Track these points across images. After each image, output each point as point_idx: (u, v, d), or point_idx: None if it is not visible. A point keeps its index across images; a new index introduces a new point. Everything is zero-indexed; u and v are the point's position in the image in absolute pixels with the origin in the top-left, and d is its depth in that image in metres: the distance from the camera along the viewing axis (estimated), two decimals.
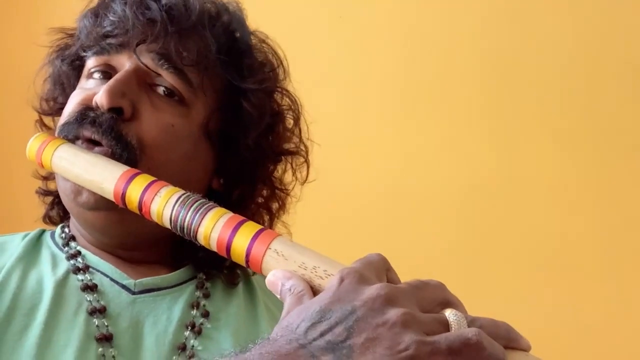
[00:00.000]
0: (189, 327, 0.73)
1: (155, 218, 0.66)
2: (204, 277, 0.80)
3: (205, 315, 0.76)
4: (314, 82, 1.45)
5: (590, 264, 1.40)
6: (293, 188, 0.86)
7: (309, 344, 0.44)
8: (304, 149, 0.86)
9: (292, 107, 0.85)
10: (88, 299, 0.73)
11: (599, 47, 1.43)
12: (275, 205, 0.85)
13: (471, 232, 1.50)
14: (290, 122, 0.85)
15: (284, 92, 0.84)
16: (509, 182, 1.48)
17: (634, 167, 1.39)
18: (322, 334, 0.44)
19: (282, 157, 0.85)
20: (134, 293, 0.75)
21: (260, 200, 0.84)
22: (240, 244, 0.59)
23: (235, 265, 0.83)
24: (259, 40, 0.85)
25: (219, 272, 0.82)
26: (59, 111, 0.83)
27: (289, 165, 0.86)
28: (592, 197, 1.42)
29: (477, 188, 1.50)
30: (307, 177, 0.86)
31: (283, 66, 0.85)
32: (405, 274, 0.55)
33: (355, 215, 1.56)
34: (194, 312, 0.76)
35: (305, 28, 1.66)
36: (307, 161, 0.86)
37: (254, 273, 0.88)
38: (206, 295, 0.78)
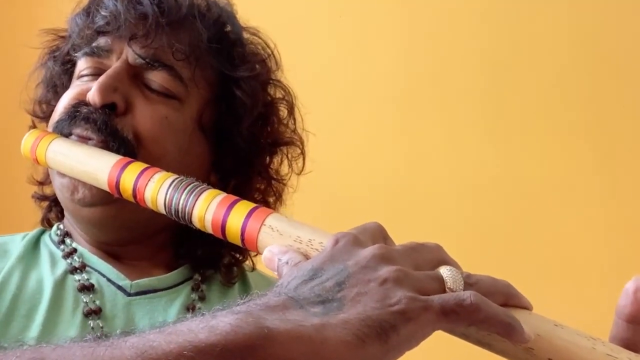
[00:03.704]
0: None
1: (149, 204, 0.66)
2: (200, 278, 0.79)
3: None
4: (313, 81, 1.45)
5: (592, 263, 1.39)
6: (289, 179, 0.86)
7: (298, 296, 0.43)
8: (299, 140, 0.86)
9: (286, 98, 0.85)
10: (85, 299, 0.72)
11: (599, 44, 1.43)
12: (272, 197, 0.84)
13: (471, 227, 1.48)
14: (284, 112, 0.85)
15: (277, 83, 0.84)
16: (509, 179, 1.47)
17: (635, 165, 1.39)
18: (311, 288, 0.44)
19: (278, 149, 0.84)
20: (129, 295, 0.74)
21: (256, 192, 0.83)
22: (235, 222, 0.58)
23: (233, 264, 0.83)
24: (250, 34, 0.85)
25: (216, 271, 0.81)
26: (52, 114, 0.83)
27: (284, 157, 0.85)
28: (593, 195, 1.41)
29: (476, 182, 1.49)
30: (303, 167, 0.86)
31: (275, 57, 0.84)
32: None
33: (353, 206, 1.54)
34: (190, 315, 0.75)
35: (305, 27, 1.66)
36: (302, 152, 0.86)
37: (252, 269, 0.87)
38: (202, 298, 0.77)
